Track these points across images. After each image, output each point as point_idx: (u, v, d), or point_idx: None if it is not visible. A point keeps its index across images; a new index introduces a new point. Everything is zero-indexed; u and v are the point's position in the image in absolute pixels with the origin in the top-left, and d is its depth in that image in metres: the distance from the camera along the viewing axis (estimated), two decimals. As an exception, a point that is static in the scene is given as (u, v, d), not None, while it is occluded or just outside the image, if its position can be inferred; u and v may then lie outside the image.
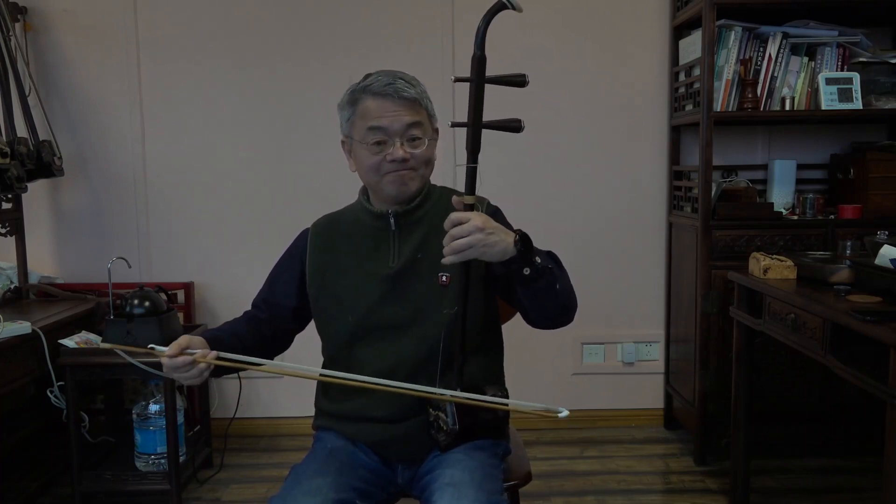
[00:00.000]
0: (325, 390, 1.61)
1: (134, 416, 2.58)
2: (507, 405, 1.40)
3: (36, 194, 3.02)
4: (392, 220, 1.53)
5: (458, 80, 1.35)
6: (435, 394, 1.40)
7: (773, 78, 2.79)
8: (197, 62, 3.06)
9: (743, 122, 2.98)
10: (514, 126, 1.35)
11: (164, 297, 2.60)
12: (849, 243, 2.12)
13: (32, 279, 2.95)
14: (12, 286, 2.87)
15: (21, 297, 2.88)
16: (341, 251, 1.57)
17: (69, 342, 2.45)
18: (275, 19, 3.05)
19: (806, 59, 2.79)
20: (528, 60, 3.01)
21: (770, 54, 2.78)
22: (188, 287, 3.06)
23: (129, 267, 2.79)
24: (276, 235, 1.68)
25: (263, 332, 1.61)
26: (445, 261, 1.32)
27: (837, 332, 1.75)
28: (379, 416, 1.50)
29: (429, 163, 1.53)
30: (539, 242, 1.39)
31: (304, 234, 1.64)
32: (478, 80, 1.33)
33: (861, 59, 2.78)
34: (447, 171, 3.04)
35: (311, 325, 1.65)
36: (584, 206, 3.13)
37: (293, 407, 3.15)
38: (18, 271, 2.90)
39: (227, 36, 3.05)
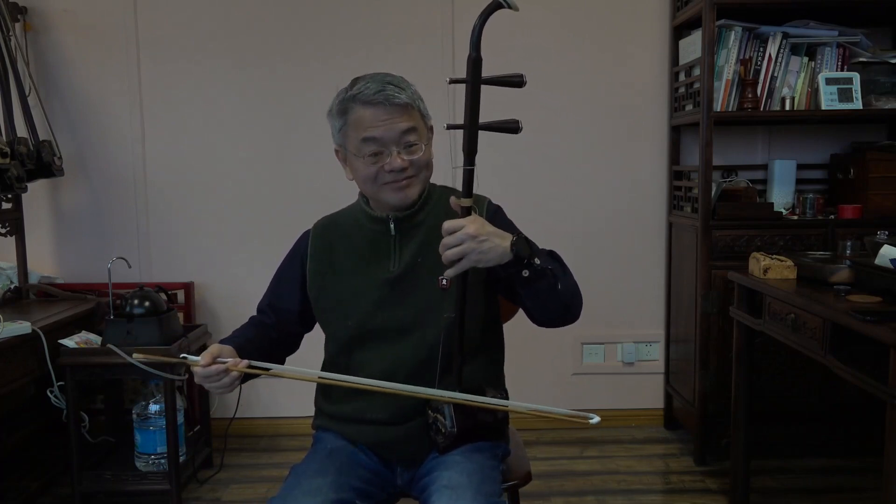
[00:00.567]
0: (325, 391, 1.61)
1: (134, 416, 2.58)
2: (539, 410, 1.34)
3: (36, 194, 3.02)
4: (392, 225, 1.53)
5: (453, 81, 1.33)
6: (437, 395, 1.39)
7: (773, 78, 2.79)
8: (197, 62, 3.06)
9: (743, 122, 2.98)
10: (511, 127, 1.34)
11: (164, 297, 2.60)
12: (849, 243, 2.12)
13: (32, 279, 2.95)
14: (12, 286, 2.87)
15: (21, 297, 2.88)
16: (341, 254, 1.57)
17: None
18: (275, 19, 3.05)
19: (806, 59, 2.79)
20: (527, 60, 3.01)
21: (770, 54, 2.78)
22: (188, 287, 3.06)
23: (129, 267, 2.79)
24: (276, 235, 1.69)
25: (272, 336, 1.60)
26: (448, 273, 1.32)
27: (837, 332, 1.75)
28: (378, 418, 1.50)
29: (428, 165, 1.52)
30: (539, 242, 1.39)
31: (305, 235, 1.63)
32: (473, 81, 1.31)
33: (861, 59, 2.78)
34: (446, 173, 3.03)
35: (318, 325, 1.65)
36: (583, 207, 3.13)
37: (293, 407, 3.15)
38: (18, 271, 2.90)
39: (227, 36, 3.05)
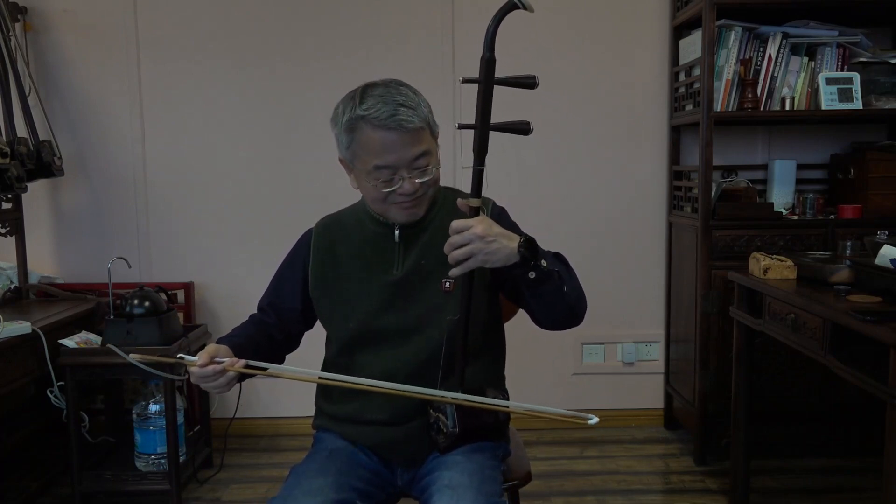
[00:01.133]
0: (325, 391, 1.61)
1: (134, 416, 2.58)
2: (538, 411, 1.32)
3: (36, 194, 3.02)
4: (397, 232, 1.51)
5: (466, 81, 1.32)
6: (437, 396, 1.39)
7: (773, 78, 2.79)
8: (197, 62, 3.06)
9: (743, 122, 2.98)
10: (522, 128, 1.34)
11: (164, 297, 2.60)
12: (849, 243, 2.12)
13: (32, 279, 2.95)
14: (12, 286, 2.87)
15: (21, 297, 2.88)
16: (344, 254, 1.56)
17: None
18: (275, 19, 3.05)
19: (806, 59, 2.79)
20: (527, 60, 3.01)
21: (770, 54, 2.78)
22: (188, 287, 3.06)
23: (129, 267, 2.79)
24: (276, 235, 1.69)
25: (273, 334, 1.60)
26: (453, 272, 1.32)
27: (837, 332, 1.75)
28: (379, 419, 1.50)
29: (436, 182, 1.50)
30: (539, 242, 1.39)
31: (308, 234, 1.62)
32: (486, 81, 1.31)
33: (861, 59, 2.78)
34: (449, 173, 3.03)
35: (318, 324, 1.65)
36: (584, 206, 3.13)
37: (293, 407, 3.15)
38: (18, 271, 2.90)
39: (227, 36, 3.05)
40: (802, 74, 2.80)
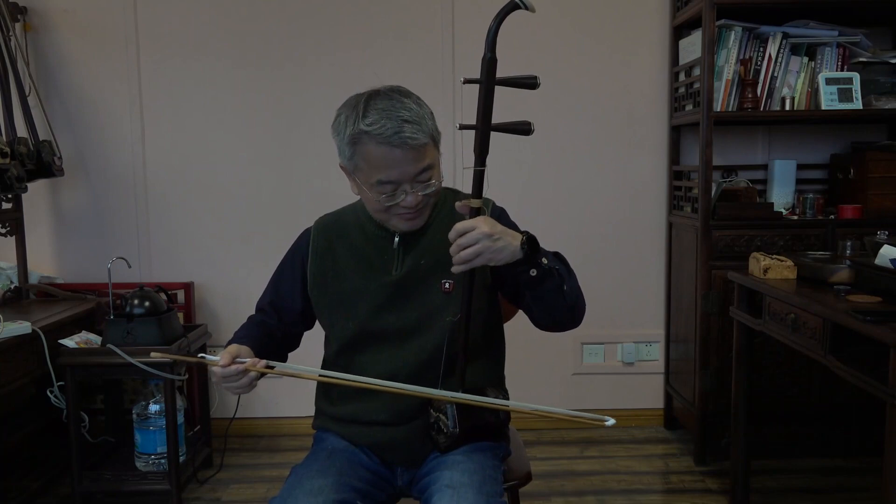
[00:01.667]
0: (325, 392, 1.61)
1: (134, 416, 2.58)
2: (557, 413, 1.32)
3: (36, 194, 3.02)
4: (397, 238, 1.51)
5: (467, 81, 1.32)
6: (440, 396, 1.40)
7: (773, 78, 2.79)
8: (197, 62, 3.06)
9: (743, 122, 2.98)
10: (523, 129, 1.34)
11: (164, 297, 2.60)
12: (849, 243, 2.11)
13: (32, 279, 2.95)
14: (12, 286, 2.87)
15: (21, 297, 2.88)
16: (343, 254, 1.55)
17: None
18: (275, 19, 3.05)
19: (806, 59, 2.79)
20: (527, 60, 3.01)
21: (770, 54, 2.78)
22: (188, 287, 3.06)
23: (129, 267, 2.79)
24: (276, 235, 1.68)
25: (274, 334, 1.60)
26: (455, 269, 1.32)
27: (837, 332, 1.75)
28: (379, 419, 1.50)
29: (438, 193, 1.48)
30: (539, 242, 1.39)
31: (307, 233, 1.62)
32: (488, 82, 1.31)
33: (861, 59, 2.78)
34: (450, 173, 3.04)
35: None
36: (583, 206, 3.13)
37: (293, 407, 3.15)
38: (18, 271, 2.90)
39: (227, 36, 3.05)
40: (802, 74, 2.80)
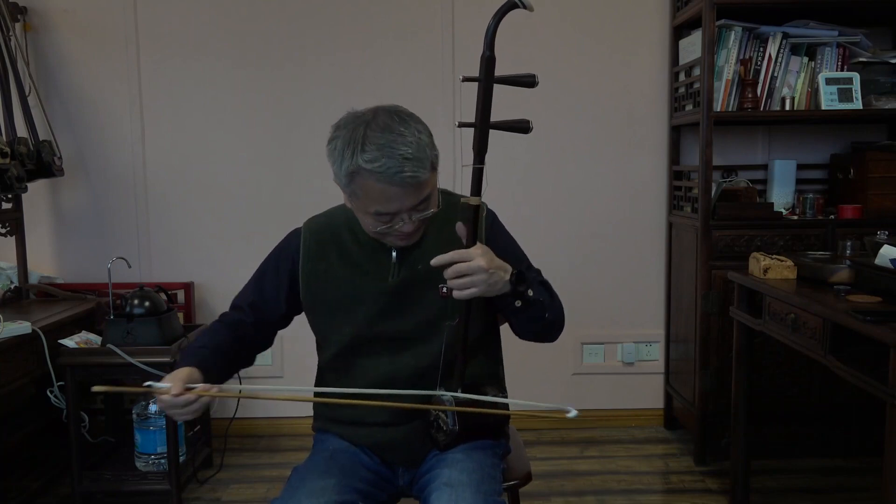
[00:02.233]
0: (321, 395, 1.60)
1: (134, 416, 2.58)
2: (525, 408, 1.38)
3: (36, 194, 3.02)
4: (394, 252, 1.50)
5: (466, 79, 1.33)
6: (436, 403, 1.40)
7: (773, 78, 2.79)
8: (197, 62, 3.06)
9: (743, 122, 2.98)
10: (522, 127, 1.35)
11: (164, 297, 2.60)
12: (849, 243, 2.11)
13: (32, 279, 2.95)
14: (12, 286, 2.87)
15: (21, 297, 2.88)
16: (337, 259, 1.52)
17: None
18: (275, 19, 3.05)
19: (806, 59, 2.79)
20: (527, 60, 3.01)
21: (770, 54, 2.78)
22: (188, 287, 3.06)
23: (129, 267, 2.79)
24: (277, 235, 1.67)
25: (247, 334, 1.55)
26: (457, 295, 1.34)
27: (837, 332, 1.75)
28: (379, 420, 1.50)
29: (434, 209, 1.45)
30: (539, 242, 1.40)
31: (296, 234, 1.58)
32: (486, 80, 1.32)
33: (861, 59, 2.78)
34: (449, 173, 3.04)
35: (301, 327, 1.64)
36: (583, 206, 3.12)
37: (293, 407, 3.14)
38: (18, 271, 2.90)
39: (227, 36, 3.05)
40: (802, 74, 2.80)
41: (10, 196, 2.78)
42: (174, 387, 1.29)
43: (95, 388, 1.29)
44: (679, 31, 3.02)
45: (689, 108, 2.88)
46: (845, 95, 2.70)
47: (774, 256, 2.19)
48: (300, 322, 1.63)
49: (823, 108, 2.70)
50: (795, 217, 2.81)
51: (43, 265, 3.10)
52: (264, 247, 1.68)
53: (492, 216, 1.58)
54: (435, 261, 1.34)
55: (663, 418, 3.21)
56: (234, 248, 3.11)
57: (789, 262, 2.12)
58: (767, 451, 2.79)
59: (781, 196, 2.94)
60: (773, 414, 2.73)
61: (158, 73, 3.06)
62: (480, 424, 1.48)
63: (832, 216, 2.77)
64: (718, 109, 2.75)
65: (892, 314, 1.60)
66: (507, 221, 1.64)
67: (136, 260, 3.06)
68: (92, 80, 3.06)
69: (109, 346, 2.41)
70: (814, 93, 2.78)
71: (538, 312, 1.44)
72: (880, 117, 2.96)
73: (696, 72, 2.76)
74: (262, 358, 1.74)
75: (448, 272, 1.33)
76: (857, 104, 2.70)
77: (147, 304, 2.49)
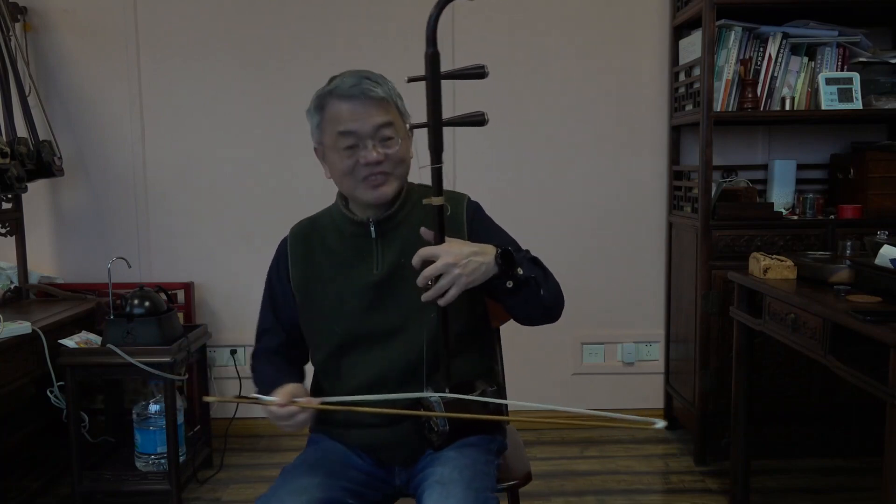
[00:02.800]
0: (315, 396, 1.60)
1: (134, 416, 2.58)
2: (601, 417, 1.36)
3: (36, 194, 3.02)
4: (373, 228, 1.52)
5: (411, 79, 1.34)
6: (426, 405, 1.40)
7: (773, 78, 2.79)
8: (197, 62, 3.06)
9: (743, 122, 2.98)
10: (477, 120, 1.34)
11: (164, 297, 2.60)
12: (849, 243, 2.11)
13: (32, 279, 2.95)
14: (12, 286, 2.87)
15: (21, 297, 2.88)
16: (322, 260, 1.55)
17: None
18: (275, 19, 3.05)
19: (806, 59, 2.79)
20: (528, 60, 3.01)
21: (770, 54, 2.78)
22: (188, 287, 3.06)
23: (129, 267, 2.79)
24: (277, 235, 1.68)
25: (286, 353, 1.61)
26: (443, 301, 1.33)
27: (837, 332, 1.75)
28: (372, 421, 1.49)
29: (403, 161, 1.51)
30: (539, 242, 1.39)
31: (283, 242, 1.62)
32: (433, 77, 1.31)
33: (861, 59, 2.78)
34: (449, 176, 3.04)
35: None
36: (584, 206, 3.12)
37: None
38: (18, 271, 2.90)
39: (228, 36, 3.05)
40: (802, 74, 2.80)
41: (10, 196, 2.79)
42: (281, 398, 1.35)
43: (206, 399, 1.43)
44: (679, 31, 3.02)
45: (689, 108, 2.88)
46: (845, 95, 2.70)
47: (774, 256, 2.19)
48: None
49: (823, 108, 2.70)
50: (795, 217, 2.81)
51: (43, 265, 3.10)
52: (264, 247, 1.68)
53: (473, 207, 1.58)
54: (414, 260, 1.35)
55: (663, 418, 3.20)
56: (234, 248, 3.11)
57: (789, 262, 2.12)
58: (767, 451, 2.79)
59: (781, 196, 2.94)
60: (773, 414, 2.73)
61: (158, 73, 3.06)
62: (473, 422, 1.47)
63: (832, 216, 2.77)
64: (718, 109, 2.75)
65: (892, 314, 1.60)
66: (507, 221, 1.64)
67: (136, 260, 3.06)
68: (92, 80, 3.06)
69: (109, 346, 2.41)
70: (814, 93, 2.78)
71: (534, 290, 1.42)
72: (880, 117, 2.96)
73: (696, 72, 2.76)
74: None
75: (419, 281, 1.33)
76: (857, 104, 2.70)
77: (147, 304, 2.49)
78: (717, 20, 2.67)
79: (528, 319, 1.51)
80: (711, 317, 2.72)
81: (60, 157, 2.88)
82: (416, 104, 1.52)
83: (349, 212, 1.55)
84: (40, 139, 2.84)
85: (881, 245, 1.88)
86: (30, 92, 2.87)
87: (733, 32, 2.75)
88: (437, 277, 1.33)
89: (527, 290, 1.41)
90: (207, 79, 3.06)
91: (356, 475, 1.49)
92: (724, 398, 2.61)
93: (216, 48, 3.05)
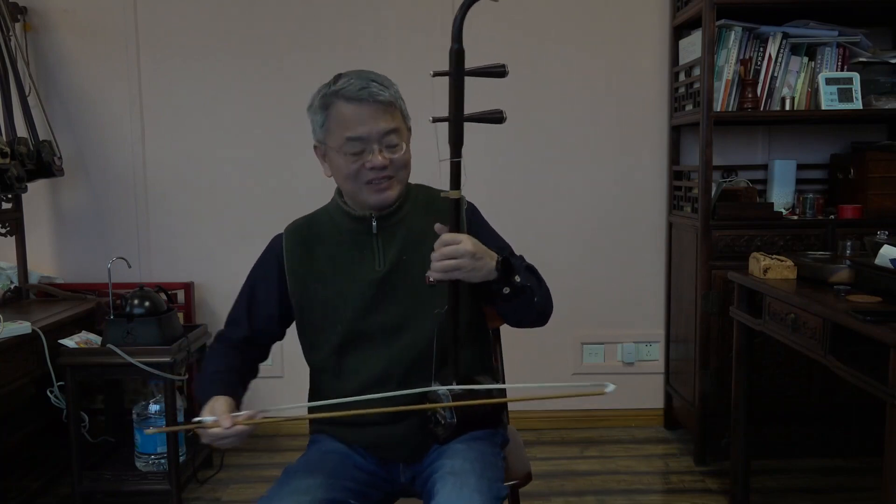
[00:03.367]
0: (317, 397, 1.58)
1: (134, 416, 2.58)
2: (555, 390, 1.40)
3: (36, 194, 3.02)
4: (374, 224, 1.52)
5: (436, 74, 1.36)
6: (433, 398, 1.40)
7: (773, 78, 2.79)
8: (197, 61, 3.06)
9: (743, 122, 2.98)
10: (496, 117, 1.36)
11: (164, 297, 2.60)
12: (849, 243, 2.11)
13: (32, 279, 2.95)
14: (12, 286, 2.87)
15: (21, 297, 2.88)
16: (322, 258, 1.54)
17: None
18: (275, 19, 3.05)
19: (806, 59, 2.79)
20: (528, 60, 3.01)
21: (770, 54, 2.78)
22: (188, 287, 3.06)
23: (129, 267, 2.79)
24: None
25: (244, 350, 1.58)
26: (435, 276, 1.35)
27: (837, 332, 1.75)
28: (377, 420, 1.49)
29: (406, 165, 1.52)
30: (539, 241, 1.40)
31: (278, 239, 1.61)
32: (457, 73, 1.33)
33: (861, 59, 2.78)
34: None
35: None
36: (583, 206, 3.12)
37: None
38: (18, 271, 2.90)
39: (227, 35, 3.05)
40: (802, 74, 2.80)
41: (10, 196, 2.79)
42: (223, 420, 1.32)
43: (148, 431, 1.35)
44: (679, 31, 3.02)
45: (689, 108, 2.88)
46: (845, 95, 2.70)
47: (774, 256, 2.19)
48: (300, 322, 1.63)
49: (823, 108, 2.70)
50: (795, 217, 2.81)
51: (43, 265, 3.10)
52: (264, 246, 1.68)
53: (472, 209, 1.59)
54: (436, 243, 1.36)
55: (663, 418, 3.21)
56: (235, 248, 3.11)
57: (789, 262, 2.12)
58: (767, 451, 2.79)
59: (781, 196, 2.94)
60: (773, 414, 2.73)
61: (158, 73, 3.06)
62: (479, 414, 1.48)
63: (832, 216, 2.77)
64: (718, 109, 2.75)
65: (892, 314, 1.60)
66: (508, 221, 1.65)
67: (136, 260, 3.06)
68: (92, 80, 3.06)
69: (109, 346, 2.41)
70: (814, 93, 2.78)
71: (528, 298, 1.45)
72: (880, 117, 2.96)
73: (696, 72, 2.76)
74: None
75: (434, 255, 1.35)
76: (857, 104, 2.70)
77: (147, 304, 2.49)
78: (717, 20, 2.67)
79: (518, 323, 1.55)
80: (711, 317, 2.72)
81: (60, 157, 2.88)
82: (415, 104, 1.52)
83: (349, 207, 1.55)
84: (40, 139, 2.84)
85: (881, 245, 1.88)
86: (30, 92, 2.87)
87: (733, 32, 2.75)
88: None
89: (522, 297, 1.44)
90: (207, 79, 3.06)
91: (359, 475, 1.49)
92: (724, 398, 2.61)
93: (216, 48, 3.05)
